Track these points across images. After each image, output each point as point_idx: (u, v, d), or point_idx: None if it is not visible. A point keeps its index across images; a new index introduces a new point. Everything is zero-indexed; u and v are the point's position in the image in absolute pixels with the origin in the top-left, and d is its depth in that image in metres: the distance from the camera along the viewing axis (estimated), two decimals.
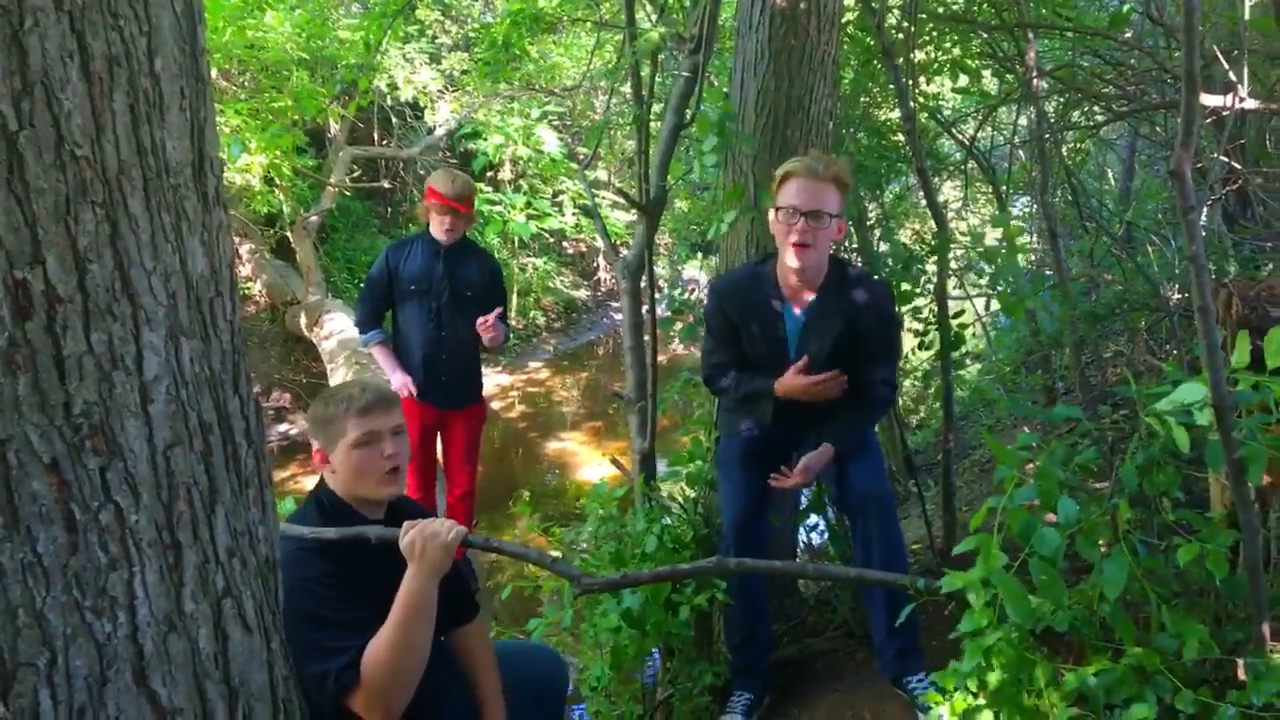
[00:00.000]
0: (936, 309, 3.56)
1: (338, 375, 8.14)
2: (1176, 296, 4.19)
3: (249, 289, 10.30)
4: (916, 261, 3.49)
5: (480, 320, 4.22)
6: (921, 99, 5.16)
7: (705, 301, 3.17)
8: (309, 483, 2.22)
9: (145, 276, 1.33)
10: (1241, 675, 1.81)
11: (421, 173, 12.35)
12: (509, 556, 2.37)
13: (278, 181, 8.71)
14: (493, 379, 10.33)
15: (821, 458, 2.86)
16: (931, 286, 3.61)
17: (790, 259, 2.75)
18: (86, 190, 1.25)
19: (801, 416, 2.95)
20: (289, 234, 10.19)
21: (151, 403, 1.34)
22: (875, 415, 3.03)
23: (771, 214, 2.79)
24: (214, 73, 8.16)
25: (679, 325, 3.77)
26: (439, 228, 4.26)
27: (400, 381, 4.25)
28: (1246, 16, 2.81)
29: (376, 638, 1.98)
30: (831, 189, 2.70)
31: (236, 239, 10.28)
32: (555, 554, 2.34)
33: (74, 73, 1.23)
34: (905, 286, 3.49)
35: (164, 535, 1.37)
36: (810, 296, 2.85)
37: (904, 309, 3.50)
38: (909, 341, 4.00)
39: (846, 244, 5.13)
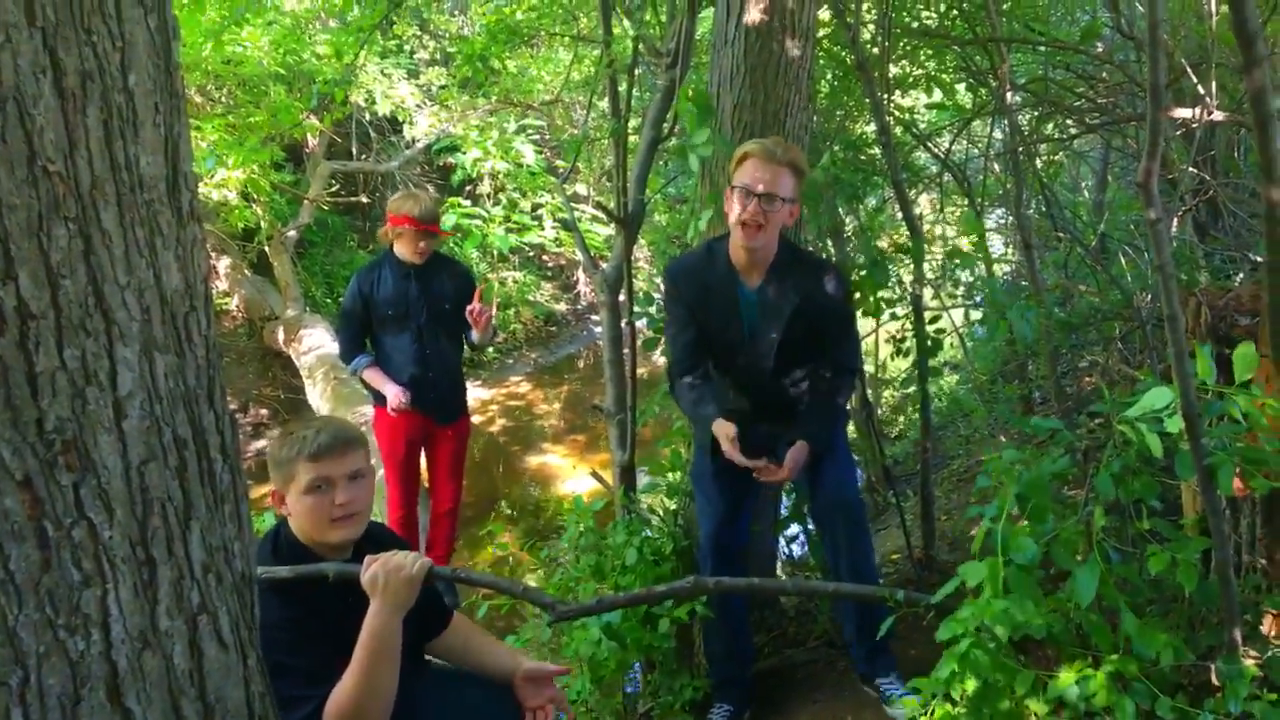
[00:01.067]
0: (913, 316, 3.58)
1: (316, 390, 8.10)
2: (1149, 306, 4.23)
3: (226, 304, 10.24)
4: (888, 262, 3.51)
5: (469, 309, 4.18)
6: (897, 112, 5.21)
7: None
8: None
9: (119, 292, 1.32)
10: (1215, 680, 1.83)
11: (399, 187, 12.32)
12: (479, 587, 2.32)
13: (255, 196, 8.68)
14: (473, 393, 10.26)
15: (802, 452, 2.83)
16: (908, 294, 3.64)
17: (739, 238, 2.78)
18: (59, 206, 1.25)
19: (772, 424, 2.95)
20: (267, 249, 10.15)
21: (125, 418, 1.33)
22: (841, 404, 3.01)
23: (726, 192, 2.82)
24: (191, 89, 8.14)
25: (662, 346, 3.77)
26: (412, 250, 4.23)
27: (395, 392, 4.20)
28: (1214, 30, 2.85)
29: (340, 683, 1.92)
30: (787, 173, 2.73)
31: (214, 254, 10.22)
32: (528, 583, 2.30)
33: (46, 88, 1.23)
34: (882, 293, 3.50)
35: (138, 551, 1.36)
36: (759, 276, 2.88)
37: (882, 317, 3.52)
38: (884, 350, 4.01)
39: (819, 251, 5.15)
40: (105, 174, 1.30)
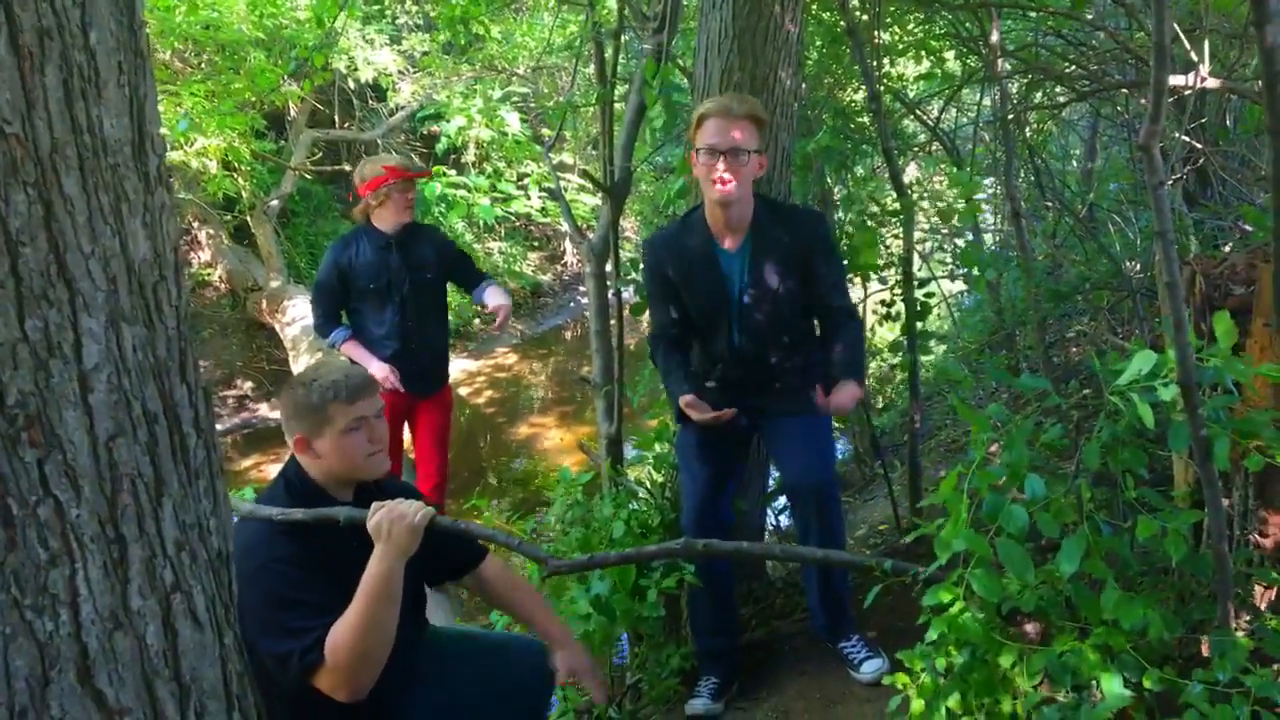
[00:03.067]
0: (902, 280, 3.54)
1: (300, 362, 8.03)
2: (1139, 275, 4.21)
3: (209, 275, 10.12)
4: (878, 225, 3.48)
5: (492, 308, 4.18)
6: (886, 80, 5.14)
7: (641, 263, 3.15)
8: (272, 471, 2.19)
9: (83, 260, 1.28)
10: (1206, 652, 1.81)
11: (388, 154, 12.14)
12: (476, 539, 2.37)
13: (236, 165, 8.56)
14: (460, 365, 10.24)
15: (850, 389, 2.75)
16: (897, 260, 3.60)
17: (714, 197, 2.73)
18: (17, 170, 1.19)
19: (756, 398, 2.91)
20: (249, 219, 10.02)
21: (92, 392, 1.29)
22: (859, 338, 2.95)
23: (692, 156, 2.78)
24: (168, 54, 7.99)
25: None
26: (402, 207, 4.06)
27: (381, 372, 4.04)
28: None
29: (341, 618, 1.97)
30: (748, 125, 2.68)
31: (195, 224, 10.09)
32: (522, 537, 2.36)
33: (1, 46, 1.17)
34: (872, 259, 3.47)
35: (107, 529, 1.32)
36: (740, 237, 2.82)
37: (870, 285, 3.49)
38: (871, 317, 3.98)
39: None
40: (66, 136, 1.25)
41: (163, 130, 1.50)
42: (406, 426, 4.50)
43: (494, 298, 4.27)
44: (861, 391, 2.79)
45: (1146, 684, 1.71)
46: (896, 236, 3.70)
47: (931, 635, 1.88)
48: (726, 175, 2.68)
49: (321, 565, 2.06)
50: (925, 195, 7.80)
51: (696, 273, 2.86)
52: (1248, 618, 1.92)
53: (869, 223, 3.32)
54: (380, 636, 1.98)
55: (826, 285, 2.88)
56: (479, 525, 2.52)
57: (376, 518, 2.03)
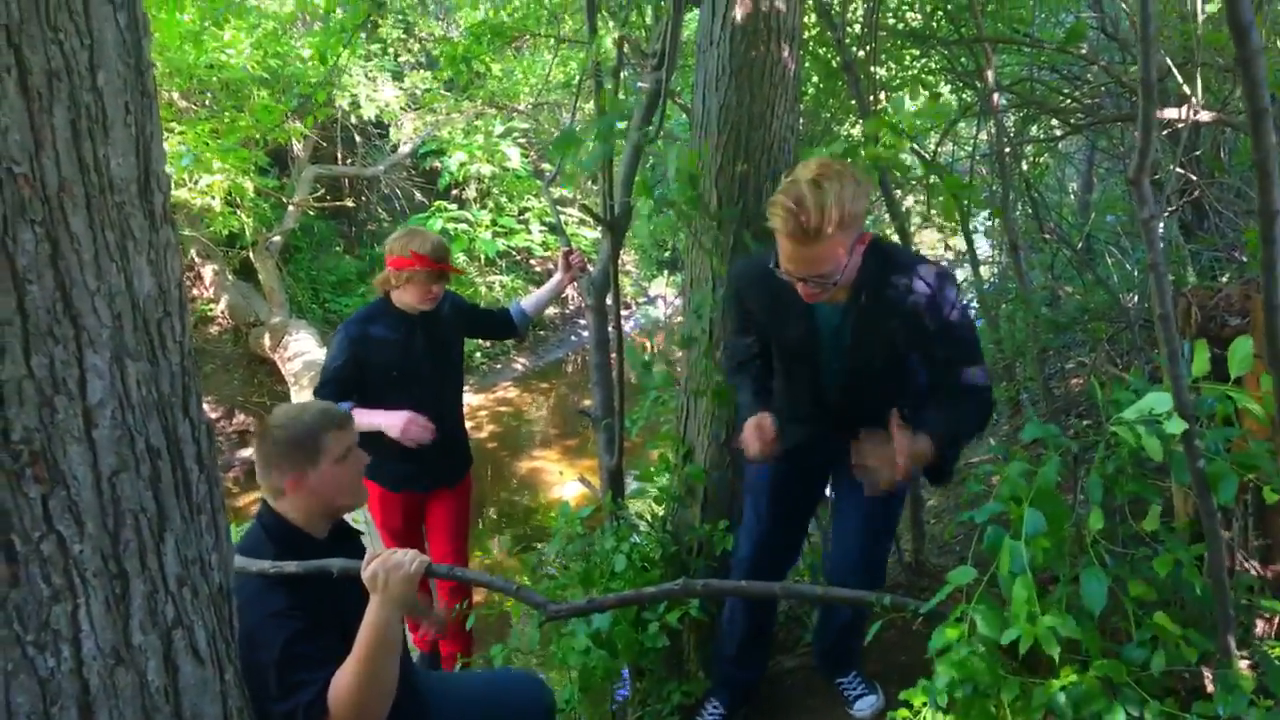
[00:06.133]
0: None
1: (303, 396, 8.05)
2: (1137, 306, 4.23)
3: (211, 310, 10.16)
4: None
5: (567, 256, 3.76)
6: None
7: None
8: None
9: (88, 297, 1.29)
10: (1209, 686, 1.81)
11: (385, 191, 12.25)
12: (473, 585, 2.32)
13: (239, 201, 8.63)
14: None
15: (921, 444, 2.27)
16: None
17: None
18: (25, 208, 1.21)
19: (839, 434, 2.52)
20: (251, 255, 10.09)
21: (95, 428, 1.30)
22: (972, 417, 2.42)
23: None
24: (174, 93, 8.08)
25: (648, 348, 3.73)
26: (422, 296, 3.47)
27: (411, 427, 3.36)
28: (1199, 31, 2.85)
29: (341, 670, 1.95)
30: (824, 247, 2.16)
31: (199, 260, 10.14)
32: (520, 582, 2.28)
33: (11, 87, 1.19)
34: None
35: (110, 565, 1.32)
36: (844, 294, 2.38)
37: None
38: None
39: None
40: (73, 175, 1.27)
41: (167, 168, 1.52)
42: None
43: (530, 299, 3.98)
44: (930, 455, 2.29)
45: (1148, 717, 1.70)
46: None
47: (939, 682, 1.86)
48: (814, 293, 2.29)
49: (317, 614, 2.03)
50: (924, 227, 7.85)
51: (787, 319, 2.49)
52: (1245, 650, 1.91)
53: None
54: (382, 688, 1.97)
55: (943, 367, 2.41)
56: (475, 572, 2.48)
57: (372, 568, 2.00)
